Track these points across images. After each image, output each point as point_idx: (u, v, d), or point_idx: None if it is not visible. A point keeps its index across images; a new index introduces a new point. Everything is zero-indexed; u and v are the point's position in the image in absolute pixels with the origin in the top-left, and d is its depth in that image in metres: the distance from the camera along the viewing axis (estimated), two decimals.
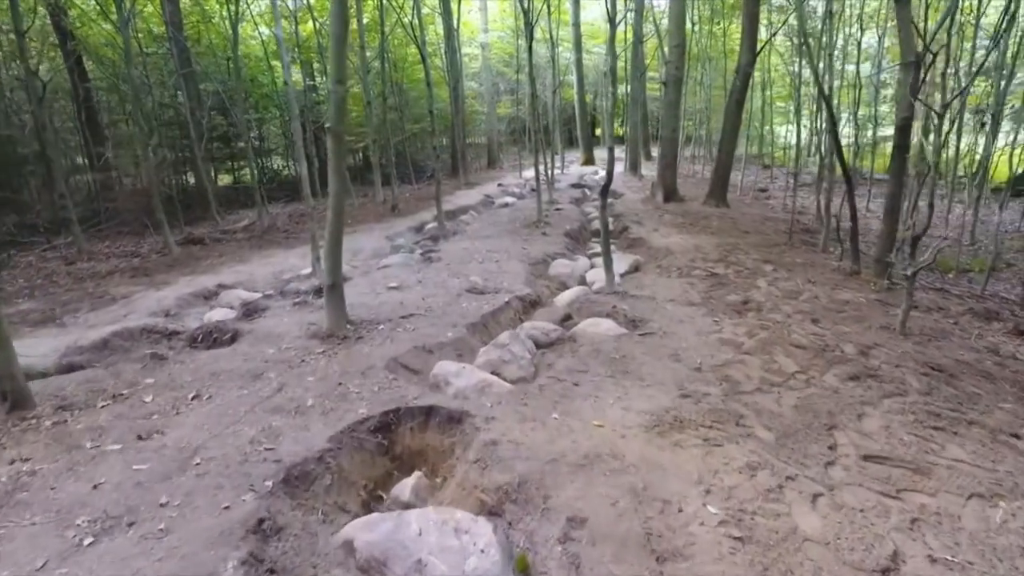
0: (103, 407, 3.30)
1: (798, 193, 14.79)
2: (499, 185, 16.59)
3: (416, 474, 2.96)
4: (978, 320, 5.90)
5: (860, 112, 11.21)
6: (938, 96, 13.24)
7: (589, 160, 23.17)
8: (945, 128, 5.83)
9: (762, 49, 11.47)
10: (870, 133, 15.14)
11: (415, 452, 3.15)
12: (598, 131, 35.28)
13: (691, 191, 14.61)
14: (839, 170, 9.15)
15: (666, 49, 13.84)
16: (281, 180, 19.27)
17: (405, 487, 2.86)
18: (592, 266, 7.94)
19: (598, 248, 9.16)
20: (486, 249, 7.85)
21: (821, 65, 7.44)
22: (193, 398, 3.36)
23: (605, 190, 5.86)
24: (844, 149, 10.28)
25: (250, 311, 5.34)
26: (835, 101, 11.74)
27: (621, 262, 7.24)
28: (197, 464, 2.65)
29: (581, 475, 2.61)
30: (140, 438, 2.92)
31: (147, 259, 9.02)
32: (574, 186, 15.56)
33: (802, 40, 6.98)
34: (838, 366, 4.12)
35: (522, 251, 7.83)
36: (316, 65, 17.24)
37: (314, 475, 2.67)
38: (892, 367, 4.11)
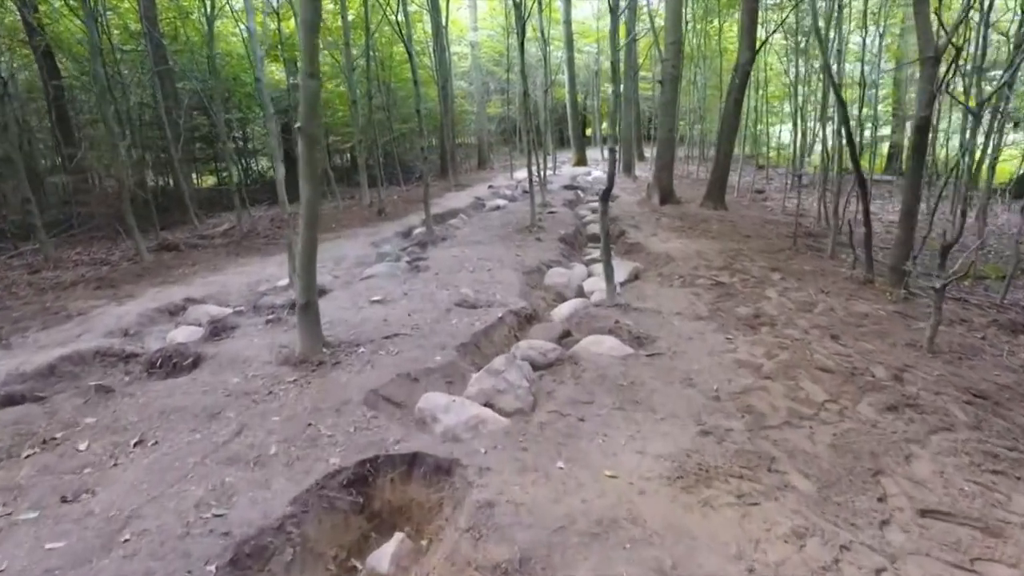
0: (28, 457, 2.80)
1: (791, 194, 14.48)
2: (490, 187, 16.11)
3: (397, 537, 2.49)
4: (1004, 333, 5.51)
5: (857, 112, 10.82)
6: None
7: (581, 160, 22.76)
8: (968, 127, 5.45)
9: (762, 46, 11.08)
10: (867, 133, 14.83)
11: (396, 508, 2.69)
12: (588, 131, 34.89)
13: (686, 192, 14.22)
14: (836, 170, 8.81)
15: (661, 47, 13.45)
16: (266, 181, 18.72)
17: (383, 556, 2.40)
18: (590, 274, 7.50)
19: (595, 254, 8.71)
20: (477, 257, 7.38)
21: (834, 64, 7.03)
22: (136, 444, 2.87)
23: (606, 195, 5.42)
24: (824, 150, 9.93)
25: (218, 330, 4.84)
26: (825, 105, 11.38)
27: (620, 269, 6.81)
28: (126, 541, 2.16)
29: (596, 548, 2.16)
30: (64, 500, 2.44)
31: (117, 267, 8.48)
32: (567, 187, 15.12)
33: (814, 31, 6.57)
34: (871, 394, 3.69)
35: (515, 258, 7.37)
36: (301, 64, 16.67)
37: (271, 550, 2.20)
38: (931, 394, 3.69)
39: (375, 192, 13.14)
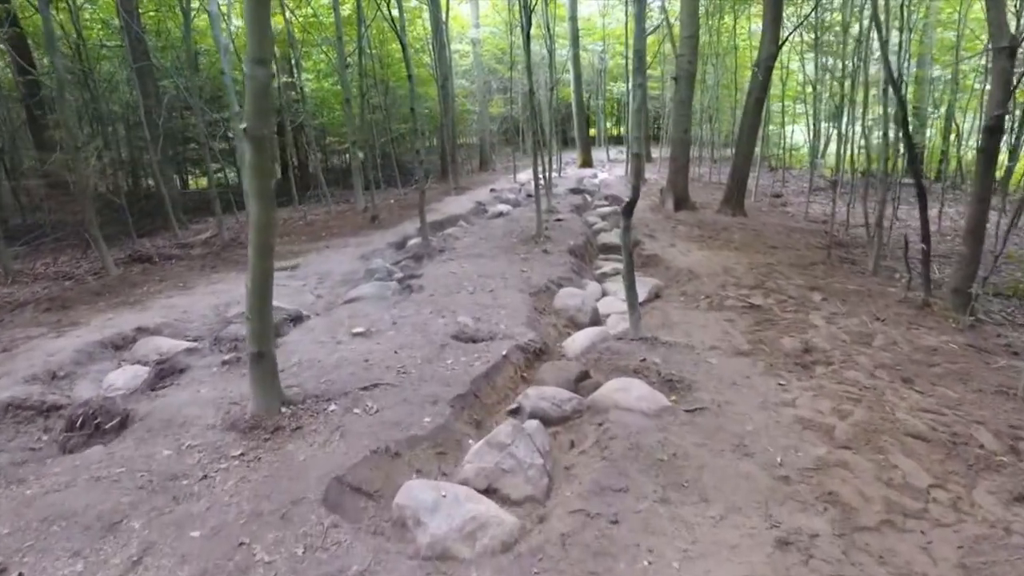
0: None
1: (811, 198, 13.59)
2: (492, 190, 15.26)
3: None
4: None
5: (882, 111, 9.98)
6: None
7: (587, 162, 21.89)
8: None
9: (786, 40, 10.23)
10: (891, 134, 13.98)
11: None
12: (592, 131, 34.03)
13: (699, 196, 13.38)
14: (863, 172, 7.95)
15: (675, 42, 12.62)
16: None
17: None
18: (604, 293, 6.67)
19: (607, 268, 7.87)
20: (478, 274, 6.54)
21: (876, 64, 6.18)
22: None
23: (629, 209, 4.57)
24: (866, 152, 9.06)
25: (164, 373, 4.02)
26: (844, 105, 10.53)
27: (639, 287, 5.95)
28: None
29: None
30: None
31: (82, 282, 7.66)
32: (573, 191, 14.26)
33: (872, 23, 5.74)
34: (988, 475, 2.85)
35: (521, 275, 6.52)
36: (292, 60, 15.80)
37: None
38: None
39: (370, 196, 12.29)
